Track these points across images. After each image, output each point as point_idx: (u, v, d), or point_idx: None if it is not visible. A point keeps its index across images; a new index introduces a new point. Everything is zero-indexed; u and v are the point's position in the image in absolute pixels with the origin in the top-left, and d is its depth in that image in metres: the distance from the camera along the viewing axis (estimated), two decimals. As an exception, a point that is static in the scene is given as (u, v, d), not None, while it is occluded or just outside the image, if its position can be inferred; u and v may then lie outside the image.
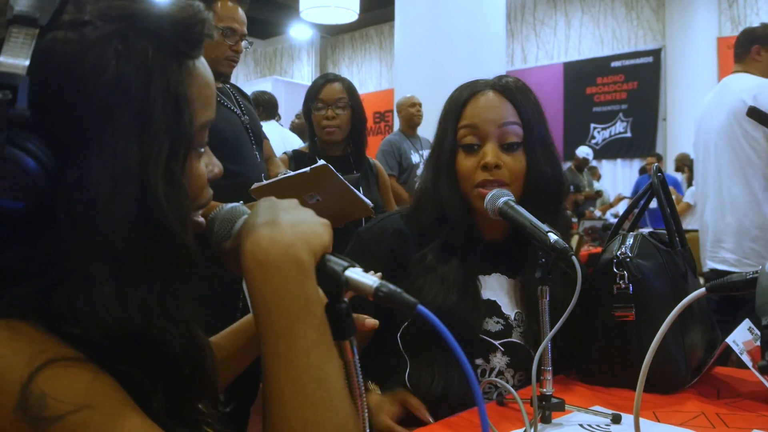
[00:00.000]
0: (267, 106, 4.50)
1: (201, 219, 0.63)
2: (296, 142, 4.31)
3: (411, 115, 4.20)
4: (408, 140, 4.16)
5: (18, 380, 0.45)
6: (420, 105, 4.21)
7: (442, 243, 1.17)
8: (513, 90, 1.17)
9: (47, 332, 0.48)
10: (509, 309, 1.19)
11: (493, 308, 1.17)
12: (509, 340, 1.17)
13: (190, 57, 0.55)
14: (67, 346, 0.48)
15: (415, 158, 4.09)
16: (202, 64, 0.57)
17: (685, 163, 7.06)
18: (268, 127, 3.75)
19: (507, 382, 1.16)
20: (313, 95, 2.37)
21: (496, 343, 1.16)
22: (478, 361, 1.15)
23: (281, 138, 4.23)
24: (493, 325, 1.16)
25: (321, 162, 1.78)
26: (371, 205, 1.90)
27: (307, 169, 1.76)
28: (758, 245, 2.42)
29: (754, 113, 1.57)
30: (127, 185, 0.48)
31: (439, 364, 1.10)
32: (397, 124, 4.49)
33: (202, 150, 0.59)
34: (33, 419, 0.45)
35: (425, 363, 1.11)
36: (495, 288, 1.20)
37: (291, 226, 0.60)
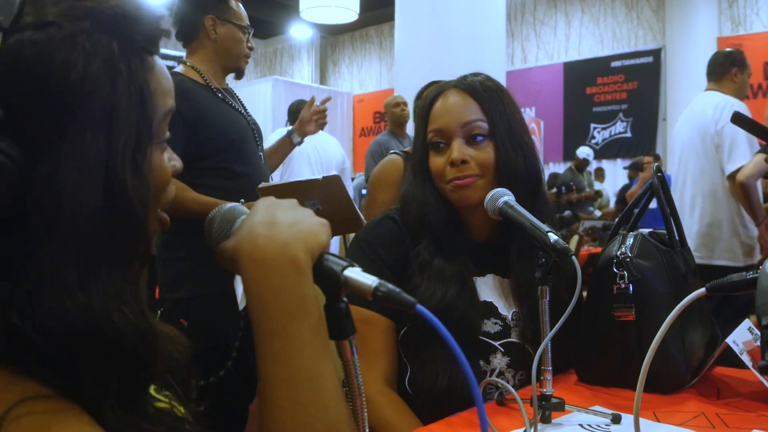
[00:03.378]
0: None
1: (165, 216, 0.62)
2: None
3: (397, 115, 4.19)
4: (396, 140, 4.12)
5: None
6: (405, 104, 4.18)
7: (437, 241, 1.18)
8: (476, 87, 1.18)
9: (12, 373, 0.47)
10: (505, 309, 1.19)
11: (490, 309, 1.18)
12: (508, 340, 1.17)
13: (150, 53, 0.56)
14: (33, 380, 0.46)
15: None
16: (159, 59, 0.59)
17: None
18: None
19: (508, 382, 1.16)
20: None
21: (496, 344, 1.16)
22: (481, 363, 1.15)
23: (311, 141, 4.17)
24: (491, 326, 1.17)
25: (333, 172, 1.81)
26: (365, 222, 1.91)
27: (319, 176, 1.77)
28: (705, 240, 3.00)
29: (737, 119, 1.58)
30: (94, 177, 0.49)
31: (441, 359, 1.10)
32: (396, 125, 4.49)
33: (165, 144, 0.60)
34: None
35: (427, 361, 1.11)
36: (490, 289, 1.20)
37: (289, 225, 0.60)
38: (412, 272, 1.16)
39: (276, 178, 3.70)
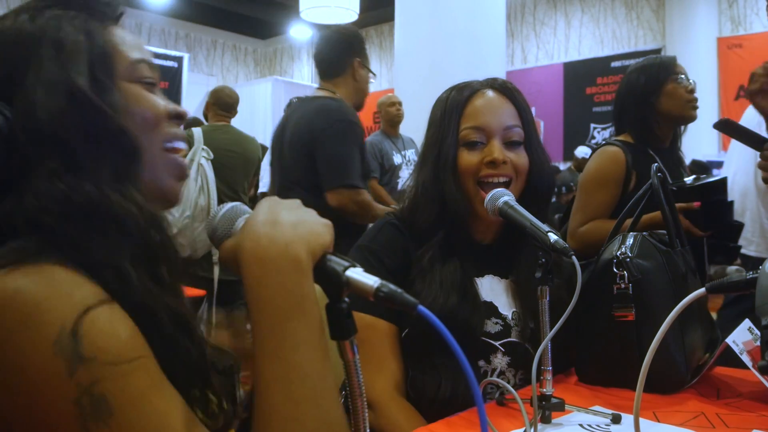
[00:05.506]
0: None
1: (182, 161, 0.73)
2: None
3: (392, 114, 4.15)
4: (389, 140, 4.09)
5: (60, 321, 0.52)
6: (400, 104, 4.15)
7: (439, 244, 1.17)
8: (512, 90, 1.21)
9: (81, 275, 0.55)
10: (506, 309, 1.19)
11: (491, 309, 1.18)
12: (509, 340, 1.17)
13: (112, 20, 0.70)
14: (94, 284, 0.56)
15: (397, 159, 4.00)
16: (124, 30, 0.72)
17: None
18: None
19: (508, 381, 1.17)
20: None
21: (497, 344, 1.17)
22: (480, 363, 1.15)
23: None
24: (492, 326, 1.17)
25: None
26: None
27: None
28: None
29: (721, 126, 1.57)
30: (56, 90, 0.61)
31: (443, 368, 1.10)
32: (397, 125, 4.48)
33: (148, 83, 0.70)
34: (70, 357, 0.51)
35: (428, 368, 1.11)
36: (490, 290, 1.20)
37: (292, 225, 0.61)
38: (414, 277, 1.16)
39: None
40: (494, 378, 1.14)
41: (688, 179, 1.82)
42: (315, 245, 0.61)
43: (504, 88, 1.20)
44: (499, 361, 1.16)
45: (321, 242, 0.61)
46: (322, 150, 2.29)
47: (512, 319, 1.19)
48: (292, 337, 0.58)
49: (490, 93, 1.19)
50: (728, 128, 1.60)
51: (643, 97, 1.96)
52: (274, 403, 0.57)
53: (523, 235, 1.12)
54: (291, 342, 0.58)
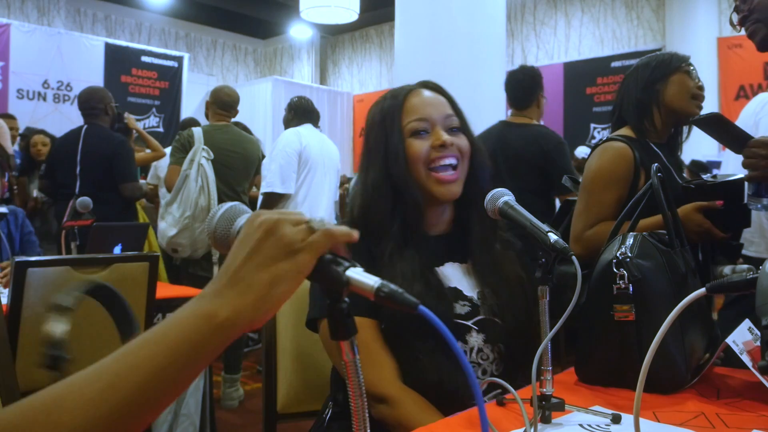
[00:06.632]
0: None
1: None
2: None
3: None
4: None
5: None
6: None
7: (396, 238, 1.20)
8: (441, 87, 1.32)
9: None
10: (470, 291, 1.24)
11: (456, 294, 1.23)
12: (479, 318, 1.21)
13: None
14: None
15: None
16: None
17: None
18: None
19: (487, 358, 1.20)
20: None
21: (469, 323, 1.20)
22: (459, 344, 1.17)
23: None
24: (461, 308, 1.21)
25: None
26: None
27: None
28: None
29: (699, 122, 1.49)
30: None
31: (424, 353, 1.13)
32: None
33: None
34: None
35: (411, 358, 1.14)
36: (452, 276, 1.25)
37: (256, 300, 0.58)
38: (377, 274, 1.16)
39: (297, 182, 3.70)
40: (492, 379, 1.14)
41: (706, 176, 1.71)
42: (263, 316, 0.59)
43: (435, 86, 1.31)
44: (475, 339, 1.19)
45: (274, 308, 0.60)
46: (554, 165, 3.05)
47: (478, 298, 1.23)
48: (135, 356, 0.56)
49: (424, 91, 1.29)
50: (711, 126, 1.53)
51: (650, 83, 1.85)
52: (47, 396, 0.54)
53: (473, 220, 1.27)
54: (131, 359, 0.56)
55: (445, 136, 1.23)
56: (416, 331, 1.12)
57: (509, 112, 3.52)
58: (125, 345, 0.57)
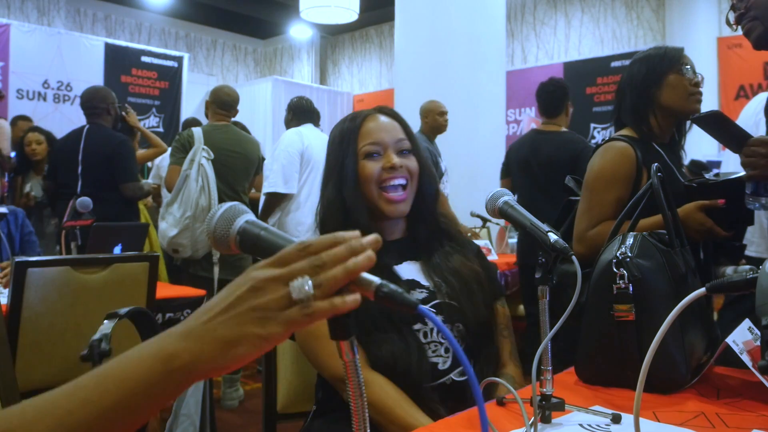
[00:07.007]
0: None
1: None
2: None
3: (439, 123, 4.03)
4: (433, 146, 4.03)
5: None
6: (447, 113, 4.06)
7: None
8: (396, 113, 1.43)
9: None
10: (425, 281, 1.34)
11: (413, 284, 1.32)
12: (436, 302, 1.30)
13: None
14: None
15: (443, 165, 3.99)
16: None
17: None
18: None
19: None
20: None
21: (427, 307, 1.25)
22: (418, 326, 1.26)
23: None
24: (418, 294, 1.30)
25: None
26: None
27: None
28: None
29: (699, 120, 1.48)
30: None
31: (385, 341, 1.20)
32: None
33: None
34: None
35: (373, 347, 1.20)
36: (409, 271, 1.35)
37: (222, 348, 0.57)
38: None
39: (300, 182, 3.70)
40: (493, 379, 1.14)
41: (708, 175, 1.71)
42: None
43: (390, 112, 1.43)
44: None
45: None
46: (582, 167, 3.16)
47: (434, 287, 1.33)
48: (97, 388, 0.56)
49: (380, 116, 1.40)
50: (710, 124, 1.52)
51: (644, 88, 1.84)
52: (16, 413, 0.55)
53: (421, 232, 1.39)
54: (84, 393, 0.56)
55: (396, 159, 1.34)
56: (373, 318, 1.21)
57: (540, 120, 3.80)
58: (81, 377, 0.57)
